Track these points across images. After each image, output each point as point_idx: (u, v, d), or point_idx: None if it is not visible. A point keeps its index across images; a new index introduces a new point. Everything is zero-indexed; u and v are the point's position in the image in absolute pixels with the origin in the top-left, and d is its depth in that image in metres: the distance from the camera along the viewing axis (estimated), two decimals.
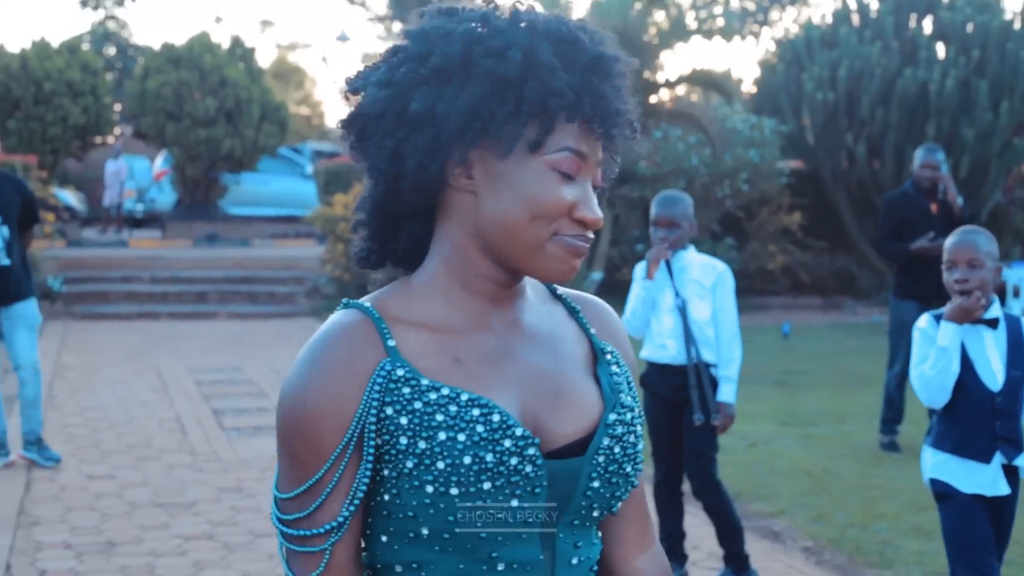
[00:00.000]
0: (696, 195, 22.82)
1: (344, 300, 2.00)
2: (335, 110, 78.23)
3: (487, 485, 1.87)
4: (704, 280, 6.62)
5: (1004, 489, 4.92)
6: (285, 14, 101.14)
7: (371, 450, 1.89)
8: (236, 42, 32.37)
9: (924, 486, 5.21)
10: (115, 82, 43.28)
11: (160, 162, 32.76)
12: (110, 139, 34.30)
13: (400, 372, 1.90)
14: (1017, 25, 23.33)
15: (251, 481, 9.09)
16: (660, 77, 24.32)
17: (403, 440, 1.88)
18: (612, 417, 2.00)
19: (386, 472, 1.90)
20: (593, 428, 1.99)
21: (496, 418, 1.89)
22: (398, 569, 1.94)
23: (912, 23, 23.64)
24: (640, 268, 6.77)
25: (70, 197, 31.57)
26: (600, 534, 2.11)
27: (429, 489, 1.86)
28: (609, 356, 2.09)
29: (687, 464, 6.71)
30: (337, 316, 1.97)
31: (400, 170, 1.94)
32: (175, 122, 30.15)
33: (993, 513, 4.95)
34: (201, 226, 31.02)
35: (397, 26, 48.18)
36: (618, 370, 2.08)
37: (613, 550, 2.16)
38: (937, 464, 5.00)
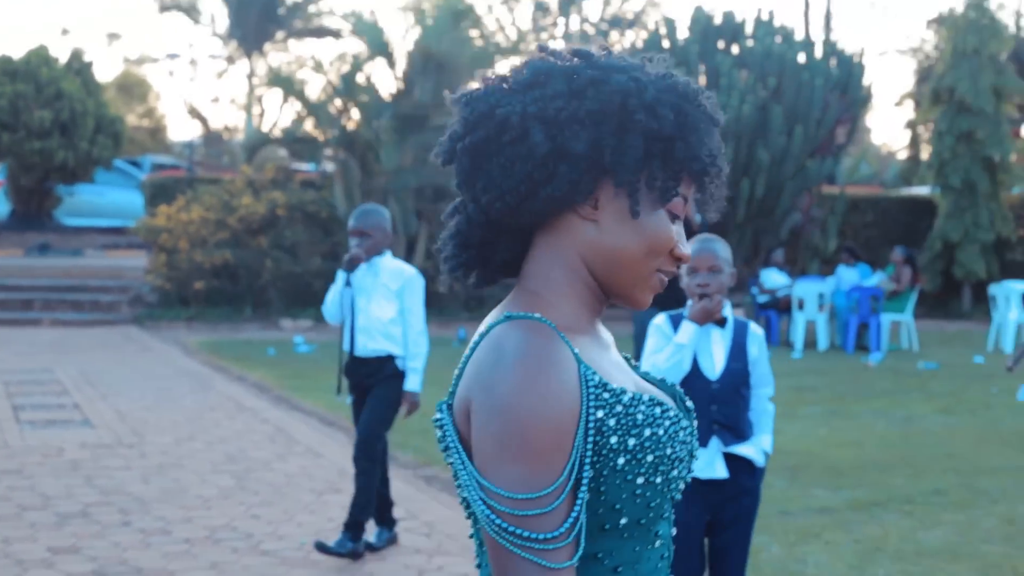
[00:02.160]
0: None
1: (507, 313, 2.05)
2: (178, 124, 78.37)
3: (675, 472, 2.07)
4: (391, 284, 7.65)
5: (721, 473, 5.29)
6: (132, 28, 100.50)
7: (590, 449, 1.98)
8: (75, 55, 32.71)
9: None
10: None
11: None
12: None
13: (596, 378, 2.00)
14: (810, 56, 24.67)
15: (32, 465, 9.88)
16: None
17: (613, 440, 1.98)
18: (691, 404, 2.25)
19: (591, 473, 1.98)
20: None
21: (672, 414, 2.07)
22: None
23: (719, 50, 24.82)
24: (340, 272, 7.73)
25: None
26: None
27: (640, 481, 2.01)
28: (634, 363, 2.29)
29: (360, 434, 7.60)
30: (528, 324, 2.00)
31: (533, 191, 2.03)
32: (10, 133, 30.45)
33: (714, 499, 5.31)
34: (33, 236, 31.39)
35: (233, 45, 48.61)
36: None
37: None
38: None
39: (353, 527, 7.38)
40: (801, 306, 20.87)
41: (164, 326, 22.60)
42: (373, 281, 7.68)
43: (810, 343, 20.59)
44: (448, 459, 2.06)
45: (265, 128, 38.90)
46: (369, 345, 7.64)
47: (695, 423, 2.18)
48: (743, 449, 5.31)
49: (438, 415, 2.09)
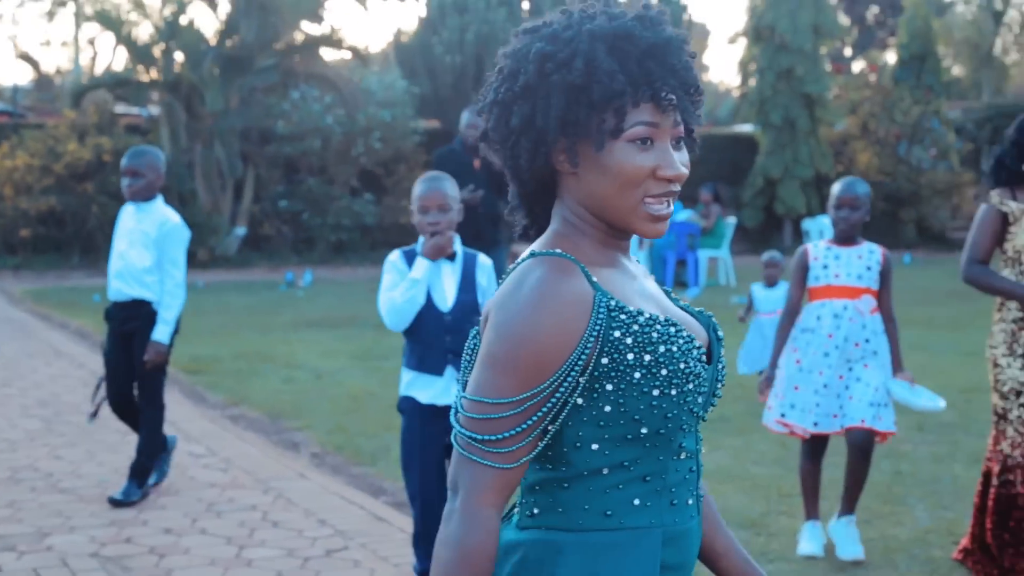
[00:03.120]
0: (332, 153, 23.98)
1: (532, 251, 2.33)
2: (7, 67, 76.81)
3: (690, 386, 2.27)
4: (151, 231, 7.54)
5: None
6: None
7: (580, 373, 2.24)
8: None
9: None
10: None
11: None
12: None
13: (613, 302, 2.25)
14: None
15: None
16: (297, 39, 25.27)
17: (630, 356, 2.23)
18: (721, 333, 2.48)
19: (609, 387, 2.24)
20: (708, 342, 2.45)
21: (685, 333, 2.29)
22: (605, 472, 2.28)
23: None
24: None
25: None
26: None
27: (655, 393, 2.24)
28: (674, 296, 2.52)
29: (139, 383, 7.67)
30: (549, 261, 2.28)
31: (517, 164, 2.31)
32: None
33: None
34: None
35: None
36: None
37: None
38: (406, 382, 5.72)
39: (140, 474, 7.55)
40: (642, 245, 21.16)
41: None
42: (135, 226, 7.60)
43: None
44: None
45: (98, 72, 38.36)
46: (124, 290, 7.60)
47: (722, 350, 2.44)
48: None
49: (474, 330, 2.43)
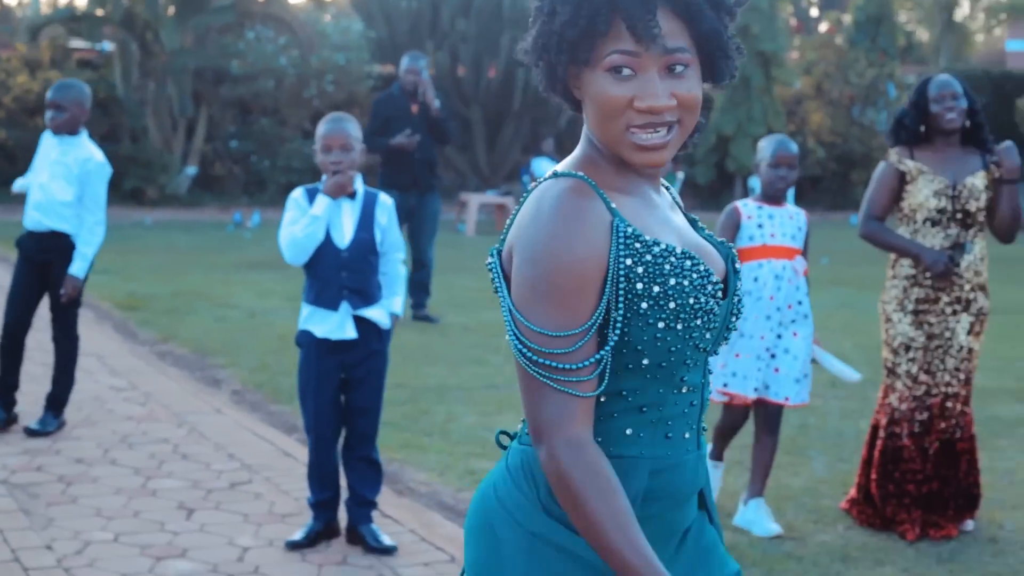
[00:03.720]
0: (285, 95, 23.99)
1: (555, 171, 2.31)
2: None
3: (699, 321, 2.25)
4: (74, 167, 7.54)
5: (351, 334, 5.75)
6: None
7: (620, 294, 2.21)
8: None
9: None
10: None
11: None
12: None
13: (629, 229, 2.23)
14: None
15: None
16: None
17: (639, 285, 2.20)
18: (737, 265, 2.44)
19: (616, 315, 2.21)
20: (725, 275, 2.41)
21: (702, 268, 2.26)
22: (602, 399, 2.26)
23: None
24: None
25: None
26: None
27: (660, 325, 2.22)
28: (699, 223, 2.49)
29: (54, 316, 7.75)
30: (567, 182, 2.25)
31: (545, 87, 2.35)
32: None
33: (346, 359, 5.76)
34: None
35: None
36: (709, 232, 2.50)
37: None
38: (304, 316, 5.87)
39: (56, 405, 7.63)
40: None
41: None
42: (58, 159, 7.59)
43: None
44: (499, 298, 2.31)
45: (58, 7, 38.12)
46: (44, 221, 7.58)
47: (740, 284, 2.42)
48: (370, 312, 5.76)
49: (489, 259, 2.34)
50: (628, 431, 2.27)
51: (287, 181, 24.64)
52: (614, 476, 2.17)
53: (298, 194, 5.82)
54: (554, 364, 2.17)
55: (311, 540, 5.73)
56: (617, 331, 2.20)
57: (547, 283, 2.17)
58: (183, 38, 24.24)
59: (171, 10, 24.12)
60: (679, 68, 2.21)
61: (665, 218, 2.34)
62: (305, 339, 5.83)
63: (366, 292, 5.79)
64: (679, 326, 2.21)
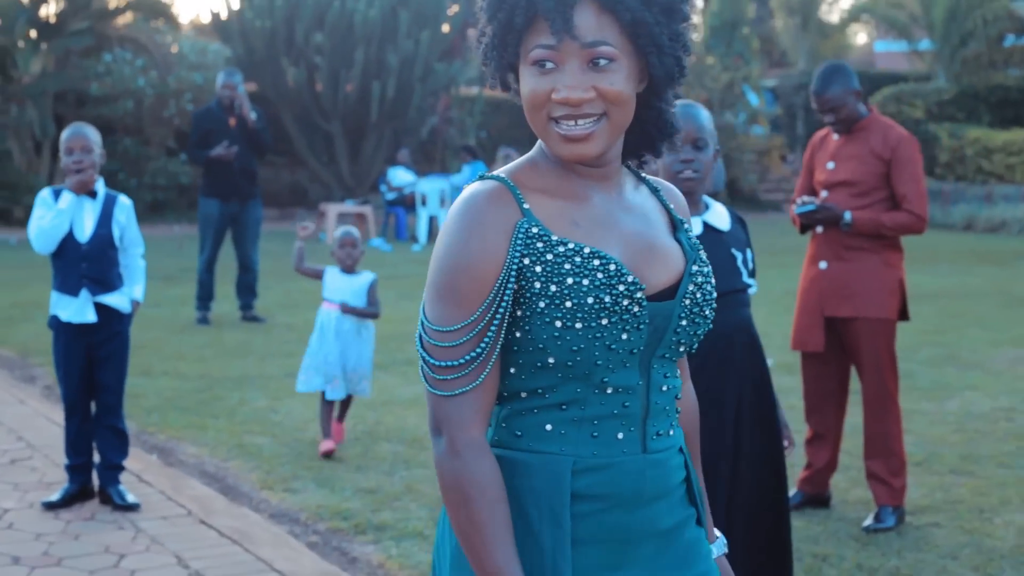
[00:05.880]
0: (146, 114, 24.55)
1: (481, 174, 2.34)
2: None
3: (604, 321, 2.22)
4: None
5: (91, 318, 6.47)
6: None
7: (510, 294, 2.23)
8: None
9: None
10: None
11: None
12: None
13: (535, 230, 2.24)
14: None
15: None
16: (111, 4, 25.73)
17: (537, 284, 2.22)
18: (694, 268, 2.39)
19: (519, 313, 2.24)
20: (679, 278, 2.37)
21: (612, 267, 2.24)
22: (523, 395, 2.30)
23: None
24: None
25: None
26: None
27: (558, 324, 2.21)
28: (686, 225, 2.49)
29: None
30: (480, 185, 2.29)
31: (504, 88, 2.40)
32: None
33: (90, 340, 6.47)
34: None
35: None
36: (693, 235, 2.48)
37: None
38: (52, 302, 6.55)
39: None
40: (424, 202, 22.27)
41: None
42: None
43: (434, 236, 21.77)
44: None
45: None
46: None
47: (690, 286, 2.36)
48: (110, 299, 6.51)
49: None
50: (548, 427, 2.29)
51: (153, 199, 25.15)
52: (492, 483, 2.22)
53: (45, 193, 6.48)
54: (429, 360, 2.25)
55: (66, 501, 6.47)
56: (517, 329, 2.26)
57: (444, 282, 2.24)
58: (45, 61, 24.68)
59: (31, 35, 24.54)
60: (602, 62, 2.21)
61: (606, 219, 2.35)
62: (54, 323, 6.56)
63: (105, 281, 6.49)
64: (578, 325, 2.21)
